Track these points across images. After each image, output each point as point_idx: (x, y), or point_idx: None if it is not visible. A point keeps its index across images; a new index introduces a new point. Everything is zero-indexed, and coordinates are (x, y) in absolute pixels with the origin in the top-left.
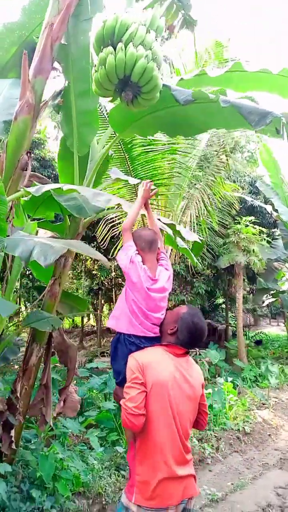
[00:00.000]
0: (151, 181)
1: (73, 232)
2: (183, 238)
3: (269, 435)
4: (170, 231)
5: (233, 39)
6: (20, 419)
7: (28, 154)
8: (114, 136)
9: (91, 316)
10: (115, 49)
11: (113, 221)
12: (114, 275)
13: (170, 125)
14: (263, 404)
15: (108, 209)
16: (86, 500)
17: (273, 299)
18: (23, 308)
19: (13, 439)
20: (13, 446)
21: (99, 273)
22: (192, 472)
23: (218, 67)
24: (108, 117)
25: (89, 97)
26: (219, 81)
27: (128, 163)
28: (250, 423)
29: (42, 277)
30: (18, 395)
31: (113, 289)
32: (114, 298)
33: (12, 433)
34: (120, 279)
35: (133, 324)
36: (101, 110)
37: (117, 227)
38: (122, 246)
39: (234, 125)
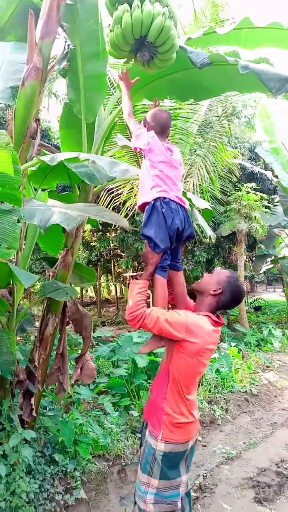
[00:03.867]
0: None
1: (83, 201)
2: (193, 205)
3: (275, 396)
4: None
5: None
6: (39, 387)
7: (37, 122)
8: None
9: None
10: (130, 6)
11: (113, 191)
12: (113, 246)
13: (182, 88)
14: (267, 367)
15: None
16: (106, 462)
17: (270, 266)
18: None
19: (33, 407)
20: (34, 414)
21: (99, 244)
22: None
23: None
24: (116, 82)
25: (98, 60)
26: (228, 39)
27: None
28: (257, 385)
29: (48, 249)
30: (36, 364)
31: (112, 260)
32: (112, 270)
33: (32, 401)
34: (118, 250)
35: (164, 189)
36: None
37: (119, 197)
38: (132, 133)
39: (251, 88)
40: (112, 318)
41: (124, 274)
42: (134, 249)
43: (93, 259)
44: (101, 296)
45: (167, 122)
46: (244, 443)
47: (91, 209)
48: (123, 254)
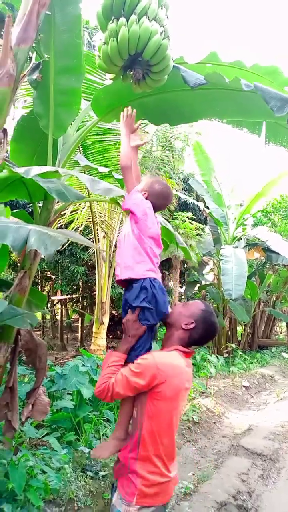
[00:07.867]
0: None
1: (44, 221)
2: None
3: (214, 423)
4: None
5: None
6: None
7: (4, 132)
8: (88, 120)
9: None
10: (127, 22)
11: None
12: (43, 268)
13: (158, 111)
14: (203, 393)
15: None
16: (58, 508)
17: (194, 292)
18: None
19: None
20: None
21: None
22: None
23: None
24: (93, 99)
25: (74, 75)
26: (193, 70)
27: (81, 150)
28: (197, 412)
29: None
30: None
31: (40, 283)
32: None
33: None
34: (48, 273)
35: (152, 269)
36: None
37: (62, 218)
38: (128, 188)
39: (232, 115)
40: None
41: (53, 298)
42: (69, 272)
43: None
44: None
45: (165, 206)
46: (194, 474)
47: (70, 232)
48: (52, 277)
